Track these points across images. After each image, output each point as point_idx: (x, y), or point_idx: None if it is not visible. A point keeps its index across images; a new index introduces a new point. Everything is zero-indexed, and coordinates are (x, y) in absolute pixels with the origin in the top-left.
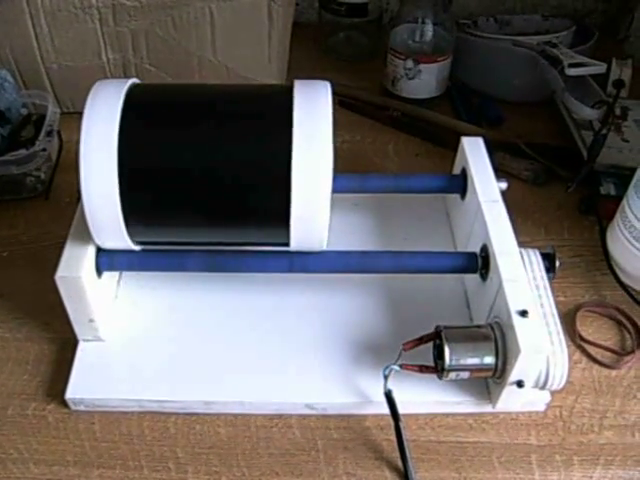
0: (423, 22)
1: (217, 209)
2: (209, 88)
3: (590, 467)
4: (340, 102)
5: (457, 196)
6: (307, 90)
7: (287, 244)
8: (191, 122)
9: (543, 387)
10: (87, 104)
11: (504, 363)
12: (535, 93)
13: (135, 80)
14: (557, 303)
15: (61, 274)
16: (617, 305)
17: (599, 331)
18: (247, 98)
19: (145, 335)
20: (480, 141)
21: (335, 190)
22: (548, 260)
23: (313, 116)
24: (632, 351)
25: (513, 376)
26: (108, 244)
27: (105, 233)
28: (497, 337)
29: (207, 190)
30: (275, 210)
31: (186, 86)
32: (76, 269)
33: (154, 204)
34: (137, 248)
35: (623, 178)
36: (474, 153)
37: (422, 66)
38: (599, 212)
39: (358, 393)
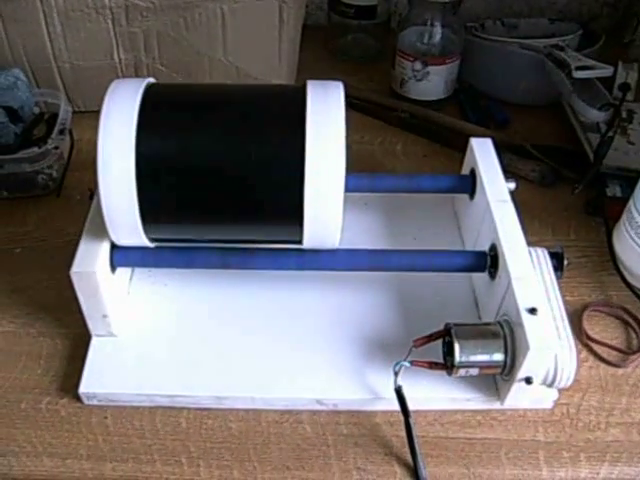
0: (432, 24)
1: (232, 207)
2: (224, 88)
3: (597, 464)
4: (349, 103)
5: (466, 196)
6: (320, 90)
7: (300, 242)
8: (206, 121)
9: (551, 384)
10: (105, 102)
11: (513, 360)
12: (542, 95)
13: (151, 79)
14: (564, 302)
15: (76, 269)
16: (623, 305)
17: (605, 330)
18: (262, 98)
19: (157, 331)
20: (489, 142)
21: (346, 189)
22: (556, 259)
23: (326, 115)
24: (638, 350)
25: (522, 373)
26: (123, 241)
27: (121, 230)
28: (506, 334)
29: (223, 188)
30: (289, 208)
31: (202, 85)
32: (91, 264)
33: (170, 202)
34: (152, 245)
35: (629, 180)
36: (483, 154)
37: (430, 68)
38: (605, 213)
39: (368, 389)
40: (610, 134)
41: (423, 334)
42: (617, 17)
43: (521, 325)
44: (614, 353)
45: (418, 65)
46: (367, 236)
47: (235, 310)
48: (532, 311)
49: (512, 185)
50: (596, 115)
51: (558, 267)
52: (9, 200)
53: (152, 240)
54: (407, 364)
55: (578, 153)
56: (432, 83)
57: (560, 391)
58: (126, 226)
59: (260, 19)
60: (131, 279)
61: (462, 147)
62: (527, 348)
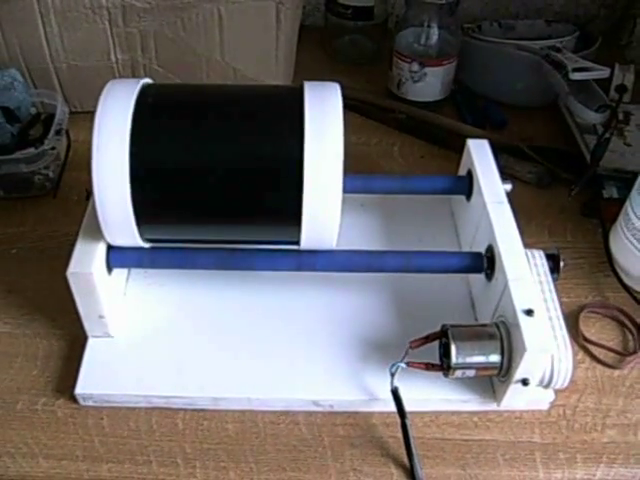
0: (429, 26)
1: (229, 208)
2: (221, 88)
3: (593, 465)
4: (346, 105)
5: (462, 197)
6: (317, 91)
7: (297, 243)
8: (202, 122)
9: (548, 385)
10: (100, 103)
11: (509, 361)
12: (538, 97)
13: (147, 80)
14: (561, 304)
15: (72, 270)
16: (620, 306)
17: (602, 332)
18: (258, 98)
19: (153, 332)
20: (486, 143)
21: (343, 190)
22: (553, 261)
23: (324, 116)
24: (634, 352)
25: (518, 374)
26: (118, 241)
27: (116, 231)
28: (503, 336)
29: (219, 189)
30: (287, 209)
31: (198, 86)
32: (87, 265)
33: (165, 203)
34: (146, 245)
35: (625, 181)
36: (480, 155)
37: (427, 69)
38: (602, 215)
39: (364, 390)
40: (607, 136)
41: (419, 335)
42: (614, 19)
43: (518, 326)
44: (610, 354)
45: (415, 66)
46: (364, 237)
47: (231, 311)
48: (529, 312)
49: (509, 186)
50: (593, 117)
51: (554, 269)
52: (6, 200)
53: (147, 241)
54: (403, 365)
55: (575, 155)
56: (429, 84)
57: (556, 392)
58: (120, 227)
59: (257, 20)
60: (127, 280)
61: (459, 148)
62: (524, 349)
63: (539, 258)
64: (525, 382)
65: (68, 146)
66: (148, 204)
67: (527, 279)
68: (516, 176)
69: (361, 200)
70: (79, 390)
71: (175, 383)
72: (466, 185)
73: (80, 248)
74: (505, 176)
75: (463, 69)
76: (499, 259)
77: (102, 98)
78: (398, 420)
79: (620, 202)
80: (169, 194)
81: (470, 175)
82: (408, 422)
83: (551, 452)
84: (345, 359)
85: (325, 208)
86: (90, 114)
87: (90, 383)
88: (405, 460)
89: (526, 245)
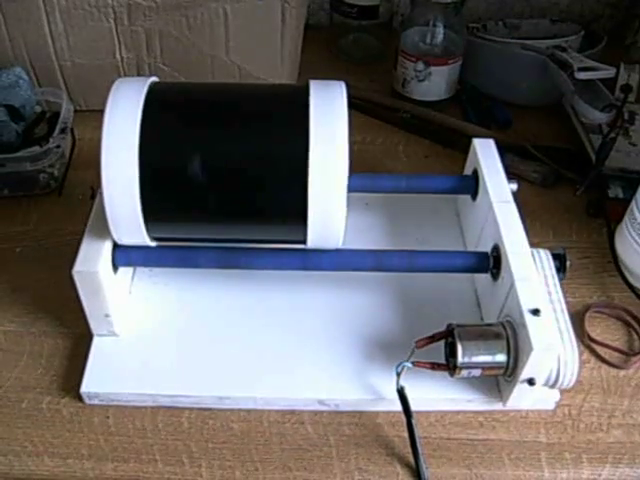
0: (434, 25)
1: (236, 207)
2: (228, 87)
3: (599, 465)
4: (350, 104)
5: (468, 197)
6: (323, 90)
7: (303, 242)
8: (210, 121)
9: (553, 385)
10: (108, 101)
11: (515, 361)
12: (544, 96)
13: (155, 78)
14: (567, 303)
15: (78, 269)
16: (625, 306)
17: (607, 332)
18: (265, 97)
19: (159, 330)
20: (491, 143)
21: (347, 189)
22: (559, 260)
23: (329, 115)
24: None
25: (524, 374)
26: (125, 240)
27: (123, 229)
28: (509, 335)
29: (226, 188)
30: (293, 208)
31: (205, 85)
32: (93, 264)
33: (173, 201)
34: (153, 244)
35: (631, 181)
36: (485, 154)
37: (432, 68)
38: (607, 214)
39: (370, 390)
40: (612, 135)
41: (425, 335)
42: (619, 18)
43: (524, 326)
44: (616, 354)
45: (420, 65)
46: (369, 236)
47: (237, 310)
48: (535, 312)
49: (514, 186)
50: (598, 116)
51: (560, 268)
52: (10, 199)
53: (154, 239)
54: (409, 365)
55: (580, 154)
56: (434, 83)
57: (562, 392)
58: (128, 225)
59: (262, 19)
60: (133, 279)
61: (464, 148)
62: (530, 349)
63: (545, 257)
64: (531, 382)
65: (73, 144)
66: (156, 202)
67: (533, 279)
68: (521, 176)
69: (366, 199)
70: (84, 389)
71: (180, 382)
72: (472, 184)
73: (86, 247)
74: (510, 176)
75: (468, 68)
76: (505, 259)
77: (111, 96)
78: (404, 419)
79: (625, 202)
80: (177, 192)
81: (476, 174)
82: (414, 421)
83: (557, 452)
84: (351, 358)
85: (331, 207)
86: (95, 112)
87: (95, 382)
88: (411, 460)
89: (531, 245)
